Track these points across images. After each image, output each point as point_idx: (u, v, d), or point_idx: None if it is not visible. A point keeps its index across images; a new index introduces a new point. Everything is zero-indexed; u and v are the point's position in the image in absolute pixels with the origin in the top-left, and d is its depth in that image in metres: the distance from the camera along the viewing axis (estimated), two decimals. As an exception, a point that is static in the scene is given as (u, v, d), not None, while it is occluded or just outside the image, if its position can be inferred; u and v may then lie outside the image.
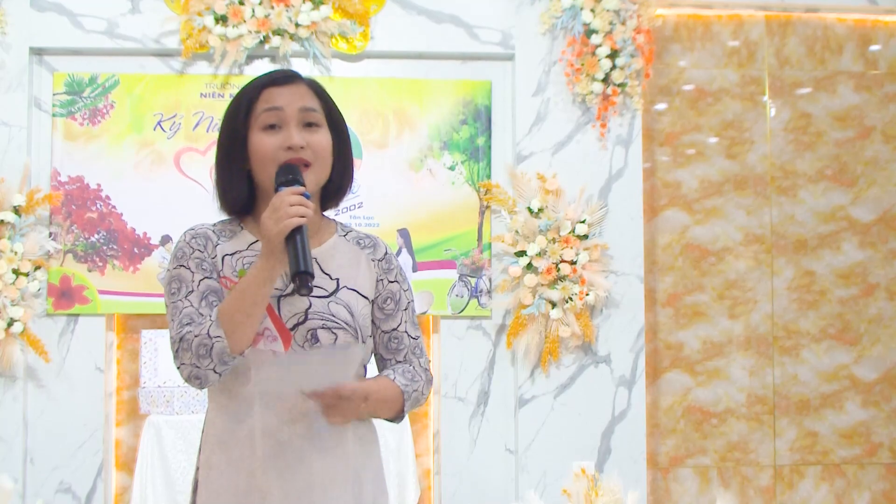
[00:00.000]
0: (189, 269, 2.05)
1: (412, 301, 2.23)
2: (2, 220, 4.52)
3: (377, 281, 2.16)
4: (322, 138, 2.07)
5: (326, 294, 2.06)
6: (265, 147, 2.03)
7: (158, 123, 4.76)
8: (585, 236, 4.73)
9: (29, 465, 4.58)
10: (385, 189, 4.80)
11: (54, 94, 4.72)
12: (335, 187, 2.15)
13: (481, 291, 4.82)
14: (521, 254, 4.70)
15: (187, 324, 1.98)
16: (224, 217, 2.16)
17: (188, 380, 1.98)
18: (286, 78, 2.10)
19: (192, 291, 2.02)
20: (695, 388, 5.18)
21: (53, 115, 4.72)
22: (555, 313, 4.67)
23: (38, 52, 4.73)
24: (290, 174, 1.98)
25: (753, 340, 5.23)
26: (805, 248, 5.29)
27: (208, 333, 1.93)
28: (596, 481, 3.88)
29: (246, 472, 2.01)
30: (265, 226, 1.91)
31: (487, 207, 4.84)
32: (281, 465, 2.00)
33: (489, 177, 4.84)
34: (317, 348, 2.02)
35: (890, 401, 5.30)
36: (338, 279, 2.10)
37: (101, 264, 4.68)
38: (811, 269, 5.29)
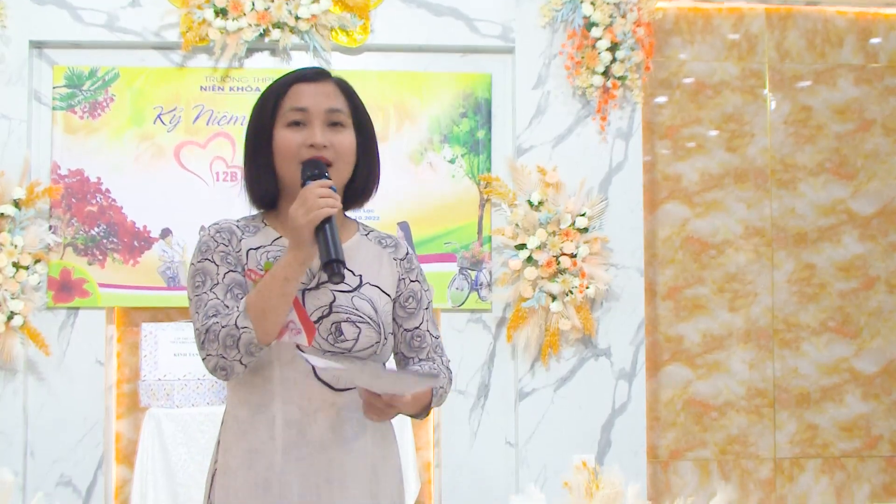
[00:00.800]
0: (214, 262, 2.06)
1: (431, 301, 2.26)
2: (2, 214, 4.52)
3: (399, 280, 2.18)
4: (345, 139, 2.09)
5: (350, 289, 2.08)
6: (288, 143, 2.05)
7: (158, 117, 4.75)
8: (585, 229, 4.73)
9: (29, 458, 4.59)
10: (385, 182, 4.70)
11: (54, 88, 4.72)
12: (360, 188, 2.18)
13: (481, 284, 4.82)
14: (522, 247, 4.70)
15: (213, 315, 1.98)
16: (252, 212, 2.19)
17: (213, 371, 1.99)
18: (315, 75, 2.11)
19: (217, 284, 2.03)
20: (695, 381, 5.18)
21: (53, 109, 4.71)
22: (555, 306, 4.67)
23: (37, 45, 4.73)
24: (316, 168, 2.00)
25: (753, 333, 5.23)
26: (805, 241, 5.29)
27: (236, 324, 1.93)
28: (596, 474, 3.88)
29: (266, 461, 2.01)
30: (294, 217, 1.91)
31: (487, 200, 4.83)
32: (301, 455, 2.01)
33: (489, 170, 4.84)
34: (347, 359, 2.04)
35: (890, 394, 5.30)
36: (361, 275, 2.11)
37: (101, 257, 4.68)
38: (811, 262, 5.29)
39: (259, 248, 2.09)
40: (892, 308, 5.33)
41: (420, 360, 2.21)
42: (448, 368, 2.25)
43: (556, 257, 4.70)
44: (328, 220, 1.91)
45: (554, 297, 4.69)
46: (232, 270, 2.05)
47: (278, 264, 1.95)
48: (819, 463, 5.25)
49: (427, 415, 2.18)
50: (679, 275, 5.20)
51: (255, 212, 2.20)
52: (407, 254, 2.22)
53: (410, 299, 2.19)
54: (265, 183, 2.11)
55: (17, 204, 4.55)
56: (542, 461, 4.72)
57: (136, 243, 4.70)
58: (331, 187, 1.95)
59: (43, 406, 4.61)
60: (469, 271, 4.82)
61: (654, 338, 5.14)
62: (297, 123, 2.06)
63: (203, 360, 1.99)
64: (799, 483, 5.23)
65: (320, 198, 1.91)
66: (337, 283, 1.95)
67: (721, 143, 5.26)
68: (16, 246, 4.52)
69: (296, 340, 1.99)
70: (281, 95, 2.09)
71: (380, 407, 1.97)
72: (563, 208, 4.71)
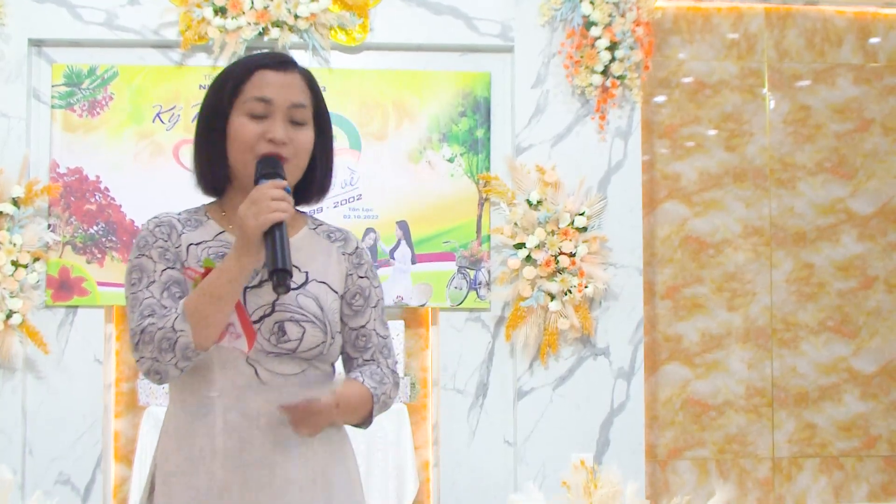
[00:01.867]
0: (151, 258, 1.98)
1: (382, 299, 2.14)
2: (1, 212, 4.52)
3: (347, 275, 2.08)
4: (305, 137, 2.00)
5: (296, 286, 1.97)
6: (246, 134, 1.96)
7: (157, 115, 4.75)
8: (584, 228, 4.73)
9: (28, 456, 4.58)
10: (384, 181, 4.80)
11: (53, 86, 4.71)
12: (317, 185, 2.08)
13: (480, 283, 4.82)
14: (520, 246, 4.70)
15: (149, 315, 1.90)
16: (202, 201, 2.10)
17: (147, 374, 1.91)
18: (280, 64, 2.01)
19: (154, 282, 1.95)
20: (693, 380, 5.18)
21: (52, 107, 4.71)
22: (554, 305, 4.68)
23: (37, 43, 4.73)
24: (271, 167, 1.91)
25: (752, 333, 5.23)
26: (804, 240, 5.29)
27: (173, 327, 1.85)
28: (595, 473, 3.87)
29: (205, 470, 1.93)
30: (243, 217, 1.82)
31: (486, 199, 4.83)
32: (241, 464, 1.92)
33: (488, 169, 4.84)
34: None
35: (888, 393, 5.31)
36: (307, 272, 2.01)
37: (99, 256, 4.68)
38: (810, 261, 5.29)
39: (200, 243, 2.01)
40: (890, 308, 5.33)
41: (364, 360, 2.09)
42: (393, 371, 2.11)
43: (555, 256, 4.70)
44: (279, 225, 1.81)
45: (553, 297, 4.69)
46: (170, 268, 1.97)
47: (221, 266, 1.86)
48: (817, 462, 5.25)
49: (371, 423, 2.08)
50: (678, 274, 5.20)
51: (204, 201, 2.13)
52: (356, 248, 2.11)
53: (357, 296, 2.08)
54: (217, 170, 2.03)
55: (15, 202, 4.54)
56: (541, 460, 4.72)
57: (135, 243, 4.69)
58: (285, 188, 1.86)
59: (42, 404, 4.61)
60: (468, 270, 4.82)
61: (653, 337, 5.14)
62: (258, 115, 1.96)
63: (137, 361, 1.90)
64: (797, 482, 5.23)
65: (273, 200, 1.82)
66: (282, 294, 1.84)
67: (720, 142, 5.26)
68: (15, 244, 4.52)
69: (235, 345, 1.89)
70: (243, 80, 1.99)
71: (300, 416, 1.87)
72: (561, 207, 4.71)
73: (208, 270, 1.91)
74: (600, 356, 4.81)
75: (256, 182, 1.90)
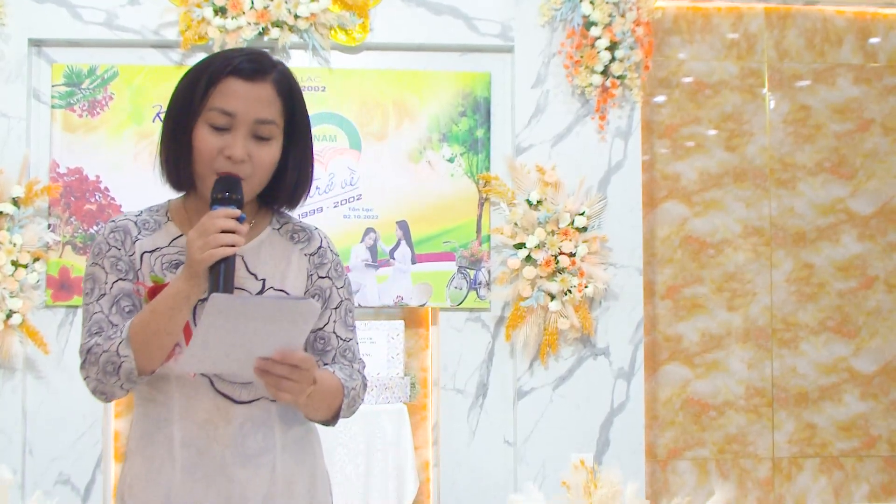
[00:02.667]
0: (103, 268, 1.95)
1: (347, 300, 2.06)
2: (1, 212, 4.52)
3: (308, 276, 2.01)
4: (267, 154, 1.92)
5: (251, 295, 1.93)
6: (206, 147, 1.90)
7: (157, 115, 4.75)
8: (584, 228, 4.73)
9: (28, 456, 4.58)
10: (384, 181, 4.80)
11: (53, 86, 4.71)
12: (286, 194, 2.01)
13: (480, 283, 4.82)
14: (520, 246, 4.70)
15: (96, 332, 1.89)
16: (168, 196, 2.06)
17: (93, 393, 1.89)
18: (252, 73, 1.91)
19: (105, 295, 1.92)
20: (693, 380, 5.18)
21: (52, 107, 4.71)
22: (554, 305, 4.68)
23: (36, 43, 4.72)
24: (227, 190, 1.85)
25: (752, 333, 5.23)
26: (804, 240, 5.29)
27: (117, 352, 1.82)
28: (595, 473, 3.87)
29: (164, 481, 1.91)
30: (190, 246, 1.79)
31: (486, 199, 4.83)
32: (200, 475, 1.90)
33: (488, 169, 4.84)
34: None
35: (888, 393, 5.31)
36: (264, 279, 1.96)
37: (100, 256, 4.67)
38: (810, 261, 5.29)
39: (154, 250, 1.96)
40: (890, 308, 5.33)
41: (325, 364, 2.01)
42: (362, 374, 2.05)
43: (555, 256, 4.70)
44: (225, 258, 1.78)
45: (553, 297, 4.69)
46: (121, 279, 1.93)
47: (165, 292, 1.82)
48: (817, 462, 5.25)
49: (337, 420, 2.01)
50: (678, 274, 5.20)
51: (169, 197, 2.08)
52: (319, 248, 2.03)
53: (316, 297, 2.01)
54: (181, 170, 1.97)
55: (15, 202, 4.54)
56: (541, 460, 4.72)
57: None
58: (239, 217, 1.81)
59: (42, 404, 4.61)
60: (468, 270, 4.82)
61: (653, 337, 5.14)
62: (220, 128, 1.89)
63: (83, 379, 1.89)
64: (797, 482, 5.23)
65: (222, 232, 1.77)
66: None
67: (720, 142, 5.26)
68: (15, 244, 4.52)
69: (181, 367, 1.84)
70: (212, 84, 1.91)
71: (284, 375, 1.76)
72: (561, 207, 4.71)
73: (156, 287, 1.89)
74: (600, 356, 4.81)
75: (211, 205, 1.85)
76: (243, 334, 1.70)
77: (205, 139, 1.90)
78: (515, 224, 4.72)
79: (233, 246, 1.78)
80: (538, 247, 4.69)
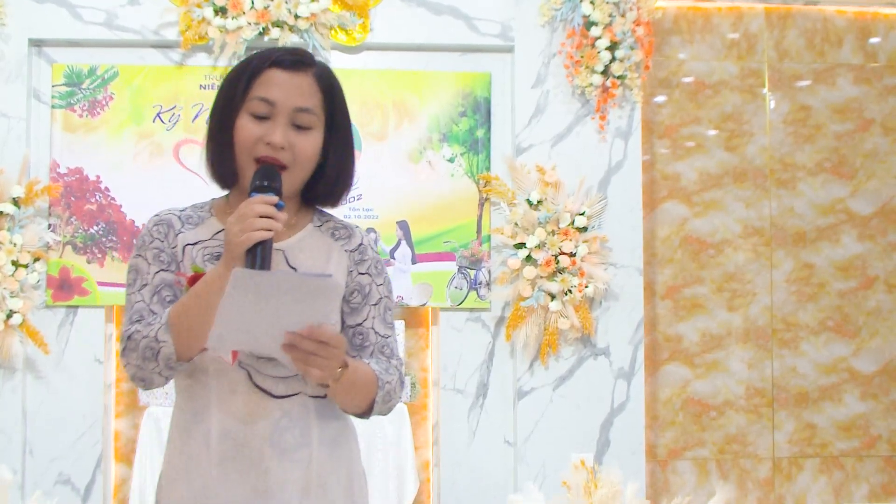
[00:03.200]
0: (146, 259, 1.97)
1: (386, 297, 2.07)
2: (1, 212, 4.52)
3: (347, 273, 2.02)
4: (308, 143, 1.95)
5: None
6: (246, 135, 1.93)
7: (158, 115, 4.75)
8: (585, 228, 4.73)
9: (28, 456, 4.58)
10: (384, 181, 4.80)
11: (53, 86, 4.71)
12: (326, 190, 2.03)
13: (480, 283, 4.82)
14: (521, 246, 4.70)
15: (137, 321, 1.91)
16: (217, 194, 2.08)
17: (133, 380, 1.91)
18: (294, 63, 1.96)
19: (146, 285, 1.95)
20: (693, 380, 5.18)
21: (53, 107, 4.71)
22: (554, 305, 4.68)
23: (37, 43, 4.73)
24: (266, 179, 1.88)
25: (752, 333, 5.23)
26: (804, 240, 5.29)
27: (156, 337, 1.84)
28: (595, 473, 3.87)
29: (201, 474, 1.92)
30: (228, 232, 1.82)
31: (487, 199, 4.83)
32: (236, 468, 1.90)
33: (488, 169, 4.84)
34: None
35: (888, 393, 5.31)
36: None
37: (100, 256, 4.68)
38: (810, 261, 5.29)
39: (196, 243, 1.98)
40: (890, 308, 5.33)
41: (363, 360, 2.01)
42: (399, 371, 2.05)
43: (555, 256, 4.70)
44: (262, 241, 1.80)
45: (553, 297, 4.69)
46: (163, 270, 1.96)
47: (205, 278, 1.85)
48: (817, 462, 5.25)
49: (372, 412, 2.01)
50: (678, 274, 5.20)
51: (218, 194, 2.09)
52: (360, 245, 2.05)
53: (355, 293, 2.02)
54: (226, 164, 1.99)
55: (16, 202, 4.54)
56: (541, 460, 4.72)
57: (134, 242, 4.69)
58: (277, 203, 1.83)
59: (42, 404, 4.61)
60: (468, 270, 4.82)
61: (653, 337, 5.14)
62: (260, 116, 1.93)
63: (124, 366, 1.90)
64: (797, 482, 5.23)
65: (259, 217, 1.80)
66: None
67: (720, 142, 5.26)
68: (15, 244, 4.52)
69: (210, 346, 1.83)
70: (255, 76, 1.95)
71: (312, 351, 1.76)
72: (562, 207, 4.71)
73: (196, 276, 1.90)
74: (600, 356, 4.81)
75: (250, 193, 1.87)
76: (268, 310, 1.71)
77: (245, 127, 1.93)
78: (516, 224, 4.72)
79: (269, 230, 1.80)
80: (538, 247, 4.69)
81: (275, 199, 1.84)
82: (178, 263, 1.97)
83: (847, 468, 5.27)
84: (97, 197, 4.70)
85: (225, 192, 2.09)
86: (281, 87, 1.94)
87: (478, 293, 4.83)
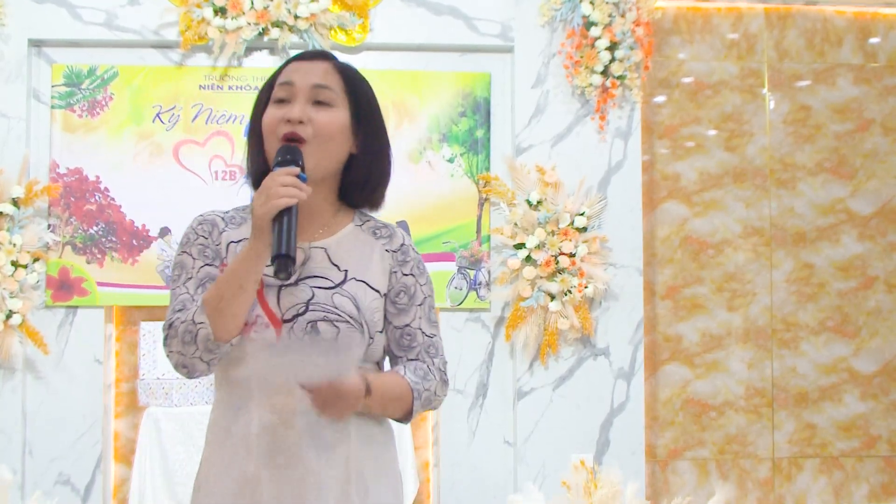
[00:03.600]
0: (191, 255, 2.00)
1: (430, 297, 2.11)
2: (1, 212, 4.52)
3: (391, 273, 2.05)
4: (328, 117, 1.97)
5: (332, 285, 1.95)
6: (269, 118, 1.97)
7: (157, 115, 4.75)
8: (584, 229, 4.73)
9: (28, 456, 4.58)
10: (384, 181, 4.79)
11: (53, 86, 4.71)
12: (360, 181, 2.05)
13: (480, 284, 4.82)
14: (520, 246, 4.70)
15: (179, 310, 1.93)
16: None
17: (176, 367, 1.93)
18: (312, 55, 2.04)
19: (191, 278, 1.98)
20: (693, 380, 5.18)
21: (52, 107, 4.71)
22: (554, 306, 4.67)
23: (36, 43, 4.72)
24: (288, 154, 1.90)
25: (752, 333, 5.23)
26: (804, 240, 5.29)
27: (193, 320, 1.87)
28: (595, 473, 3.87)
29: (240, 469, 1.93)
30: (254, 206, 1.85)
31: (486, 199, 4.83)
32: (275, 463, 1.92)
33: (488, 169, 4.84)
34: (314, 339, 1.92)
35: (888, 393, 5.30)
36: (346, 270, 1.99)
37: (99, 256, 4.68)
38: (810, 261, 5.29)
39: (240, 241, 2.01)
40: (890, 308, 5.33)
41: (409, 359, 2.07)
42: (441, 371, 2.11)
43: (555, 256, 4.70)
44: (287, 210, 1.82)
45: (553, 297, 4.69)
46: (208, 264, 1.99)
47: (236, 257, 1.88)
48: (817, 463, 5.25)
49: (412, 418, 2.04)
50: (678, 274, 5.20)
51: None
52: (402, 245, 2.09)
53: (402, 294, 2.05)
54: (257, 163, 2.03)
55: (15, 202, 4.54)
56: (541, 460, 4.72)
57: (134, 242, 4.70)
58: (299, 175, 1.86)
59: (41, 405, 4.61)
60: (468, 270, 4.82)
61: (653, 337, 5.14)
62: (282, 100, 1.97)
63: (167, 356, 1.94)
64: (797, 483, 5.23)
65: (282, 186, 1.82)
66: (283, 280, 1.86)
67: (720, 142, 5.26)
68: (14, 244, 4.52)
69: (264, 336, 1.89)
70: (277, 74, 2.03)
71: (324, 397, 1.83)
72: (561, 207, 4.71)
73: None
74: (600, 356, 4.81)
75: (273, 169, 1.90)
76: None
77: (269, 114, 1.98)
78: (515, 224, 4.72)
79: (293, 198, 1.83)
80: (538, 247, 4.69)
81: (296, 170, 1.87)
82: (223, 259, 2.00)
83: (847, 468, 5.27)
84: (97, 197, 4.70)
85: None
86: (299, 70, 2.00)
87: (477, 293, 4.83)
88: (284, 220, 1.82)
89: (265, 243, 1.83)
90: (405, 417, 2.04)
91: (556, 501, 3.91)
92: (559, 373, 4.78)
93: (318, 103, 1.97)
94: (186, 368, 1.92)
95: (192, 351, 1.88)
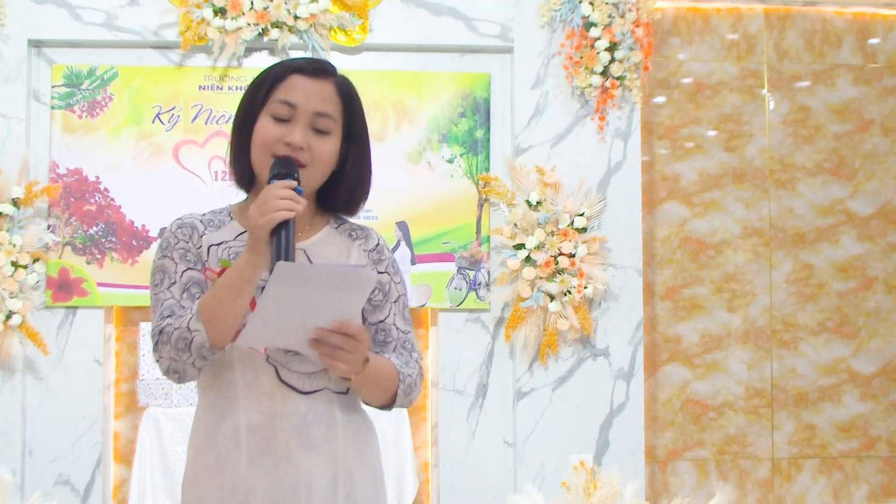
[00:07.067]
0: (173, 259, 2.03)
1: (404, 295, 2.16)
2: (0, 213, 4.52)
3: None
4: (326, 147, 2.02)
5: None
6: (266, 134, 1.99)
7: (157, 116, 4.75)
8: (584, 229, 4.73)
9: (27, 457, 4.59)
10: (383, 182, 4.79)
11: (53, 87, 4.71)
12: (345, 198, 2.11)
13: (480, 284, 4.82)
14: (520, 247, 4.70)
15: (168, 316, 1.95)
16: (237, 198, 2.15)
17: (167, 373, 1.95)
18: (316, 71, 2.04)
19: (175, 283, 2.01)
20: (693, 381, 5.19)
21: (52, 108, 4.71)
22: (553, 306, 4.68)
23: (36, 44, 4.73)
24: (285, 167, 1.94)
25: (752, 334, 5.23)
26: (803, 241, 5.29)
27: (188, 327, 1.89)
28: (594, 474, 3.88)
29: (231, 469, 1.96)
30: (251, 216, 1.87)
31: (486, 200, 4.84)
32: (266, 462, 1.96)
33: (488, 169, 4.84)
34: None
35: (888, 394, 5.31)
36: None
37: (99, 257, 4.68)
38: (809, 262, 5.29)
39: (221, 243, 2.04)
40: (890, 308, 5.33)
41: (385, 355, 2.08)
42: (419, 364, 2.12)
43: (555, 257, 4.70)
44: (285, 223, 1.85)
45: (552, 297, 4.69)
46: (190, 268, 2.02)
47: (233, 266, 1.90)
48: (817, 463, 5.25)
49: (394, 405, 2.07)
50: (677, 275, 5.20)
51: (238, 198, 2.16)
52: (377, 245, 2.13)
53: (377, 291, 2.10)
54: (243, 167, 2.06)
55: (15, 203, 4.54)
56: (541, 461, 4.72)
57: (134, 242, 4.70)
58: (296, 188, 1.89)
59: (41, 405, 4.61)
60: (467, 271, 4.82)
61: (653, 338, 5.14)
62: (281, 119, 2.00)
63: (157, 361, 1.96)
64: (797, 483, 5.23)
65: (280, 199, 1.85)
66: None
67: (720, 143, 5.27)
68: (14, 245, 4.52)
69: (242, 341, 1.89)
70: (277, 81, 2.03)
71: (338, 345, 1.84)
72: (561, 208, 4.71)
73: (225, 270, 1.96)
74: (600, 357, 4.81)
75: (269, 182, 1.93)
76: (304, 303, 1.79)
77: (266, 127, 2.00)
78: (515, 225, 4.72)
79: (291, 211, 1.85)
80: (538, 247, 4.69)
81: (294, 183, 1.90)
82: (203, 263, 2.03)
83: (846, 469, 5.27)
84: (96, 198, 4.70)
85: (243, 197, 2.15)
86: (302, 91, 2.01)
87: (477, 294, 4.83)
88: (283, 232, 1.86)
89: (262, 254, 1.87)
90: (388, 403, 2.06)
91: (556, 502, 3.91)
92: (559, 373, 4.78)
93: (318, 131, 2.02)
94: (178, 374, 1.95)
95: (185, 357, 1.91)
